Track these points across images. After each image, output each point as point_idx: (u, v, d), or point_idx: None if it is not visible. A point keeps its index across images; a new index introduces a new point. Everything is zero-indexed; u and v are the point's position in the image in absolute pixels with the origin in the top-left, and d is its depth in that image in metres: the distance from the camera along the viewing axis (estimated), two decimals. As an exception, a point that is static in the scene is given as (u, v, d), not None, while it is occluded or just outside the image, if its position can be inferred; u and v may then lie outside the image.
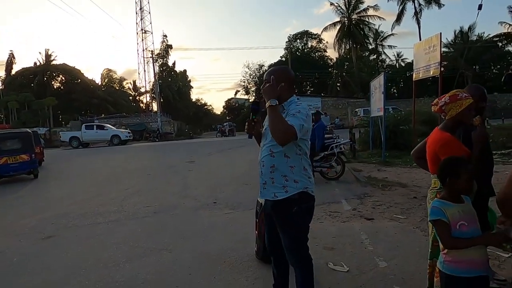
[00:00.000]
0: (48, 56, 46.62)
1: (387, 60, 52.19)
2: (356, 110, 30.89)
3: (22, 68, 46.57)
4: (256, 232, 3.65)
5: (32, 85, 44.18)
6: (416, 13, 40.08)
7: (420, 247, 3.68)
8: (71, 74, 47.41)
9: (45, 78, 45.98)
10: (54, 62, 46.94)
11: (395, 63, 53.42)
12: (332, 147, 7.85)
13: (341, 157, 7.98)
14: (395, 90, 50.08)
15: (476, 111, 2.67)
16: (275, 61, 52.83)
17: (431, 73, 9.88)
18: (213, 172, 10.58)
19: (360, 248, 3.89)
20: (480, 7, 8.19)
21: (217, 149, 17.72)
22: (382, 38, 47.82)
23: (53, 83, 47.95)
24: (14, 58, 46.92)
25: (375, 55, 50.71)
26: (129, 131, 28.22)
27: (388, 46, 48.30)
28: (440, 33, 9.34)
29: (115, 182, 9.63)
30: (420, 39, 33.87)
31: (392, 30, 47.42)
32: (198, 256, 3.90)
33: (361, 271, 3.30)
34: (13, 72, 46.03)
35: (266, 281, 2.91)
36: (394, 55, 54.21)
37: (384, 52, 50.13)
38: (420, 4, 39.89)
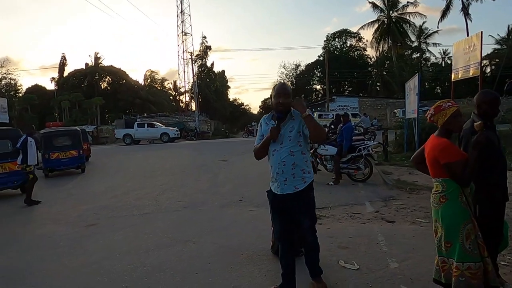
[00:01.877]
0: (96, 58, 49.79)
1: (432, 58, 49.75)
2: (395, 111, 29.88)
3: (74, 70, 50.13)
4: (272, 227, 3.87)
5: (82, 85, 47.46)
6: (464, 8, 37.80)
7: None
8: (117, 75, 50.28)
9: (93, 79, 49.19)
10: (102, 64, 50.06)
11: (440, 61, 50.80)
12: (360, 149, 7.84)
13: (368, 159, 7.94)
14: (439, 90, 47.65)
15: (484, 116, 2.71)
16: (312, 60, 52.50)
17: (471, 73, 9.47)
18: (243, 171, 10.90)
19: (374, 249, 3.97)
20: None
21: (250, 149, 17.99)
22: (426, 36, 45.65)
23: (100, 83, 51.10)
24: (66, 60, 50.63)
25: (418, 53, 48.51)
26: (177, 129, 29.41)
27: (433, 43, 46.02)
28: (481, 32, 8.94)
29: (152, 178, 10.27)
30: (468, 36, 31.99)
31: (437, 27, 45.18)
32: (219, 248, 4.20)
33: (370, 270, 3.41)
34: (65, 73, 49.68)
35: (277, 274, 3.12)
36: (440, 52, 51.42)
37: (428, 50, 47.83)
38: (468, -1, 37.63)
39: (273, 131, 2.72)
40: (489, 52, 39.48)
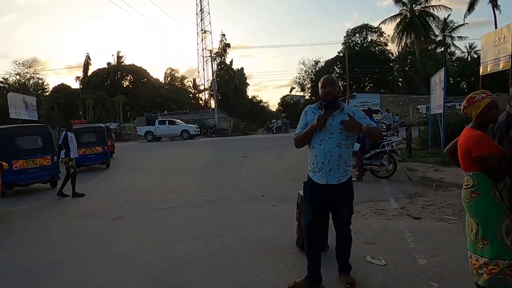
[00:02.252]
0: (119, 57, 50.98)
1: (457, 52, 48.03)
2: (418, 107, 29.15)
3: (97, 69, 51.53)
4: (297, 222, 3.88)
5: (105, 84, 48.75)
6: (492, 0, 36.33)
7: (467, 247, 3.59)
8: (138, 74, 51.32)
9: (116, 78, 50.41)
10: (123, 63, 51.21)
11: (466, 55, 49.00)
12: (383, 145, 7.70)
13: (392, 155, 7.79)
14: (464, 85, 46.03)
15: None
16: (332, 56, 51.75)
17: (501, 67, 9.13)
18: (264, 167, 10.93)
19: (401, 245, 3.91)
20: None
21: (270, 145, 18.08)
22: (451, 29, 44.13)
23: (122, 82, 52.31)
24: (90, 60, 52.12)
25: (442, 47, 46.97)
26: (197, 126, 29.79)
27: (458, 37, 44.43)
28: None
29: (174, 174, 10.45)
30: (496, 28, 30.76)
31: (464, 20, 43.57)
32: (243, 242, 4.24)
33: (398, 265, 3.36)
34: (89, 73, 51.13)
35: (303, 267, 3.12)
36: (466, 46, 49.55)
37: (453, 44, 46.22)
38: (497, -11, 36.10)
39: (320, 120, 2.75)
40: (519, 44, 37.71)
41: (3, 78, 46.61)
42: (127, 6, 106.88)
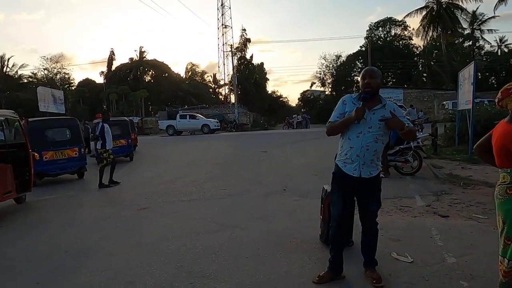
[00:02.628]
0: (141, 52, 51.83)
1: (486, 46, 46.07)
2: (444, 103, 28.23)
3: (121, 64, 52.59)
4: (321, 216, 3.86)
5: (128, 79, 49.73)
6: (525, -9, 34.56)
7: (498, 248, 3.47)
8: (160, 68, 52.09)
9: (138, 73, 51.36)
10: (146, 58, 52.06)
11: (496, 49, 46.93)
12: (408, 141, 7.51)
13: (418, 151, 7.59)
14: (494, 81, 44.17)
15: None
16: (354, 51, 50.78)
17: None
18: (285, 162, 10.91)
19: (428, 243, 3.82)
20: None
21: (290, 140, 18.01)
22: (480, 22, 42.35)
23: (145, 77, 53.26)
24: (114, 55, 53.17)
25: (471, 41, 45.17)
26: (217, 121, 30.04)
27: (488, 30, 42.57)
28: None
29: (196, 167, 10.60)
30: (528, 21, 29.22)
31: (494, 13, 41.71)
32: (267, 235, 4.26)
33: (426, 263, 3.29)
34: (113, 68, 52.32)
35: (327, 262, 3.10)
36: (496, 40, 47.41)
37: (482, 38, 44.33)
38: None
39: (359, 112, 2.72)
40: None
41: (32, 73, 48.54)
42: (150, 1, 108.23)
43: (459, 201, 5.48)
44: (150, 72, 53.44)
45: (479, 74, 40.06)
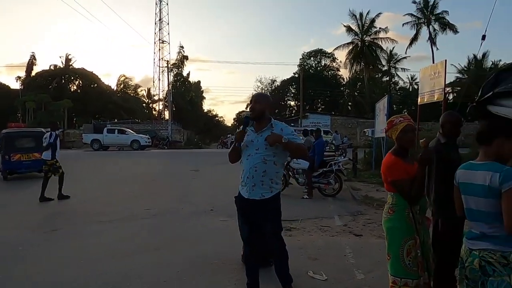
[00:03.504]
0: (68, 60, 48.16)
1: (400, 82, 52.33)
2: (365, 130, 30.93)
3: (42, 70, 48.13)
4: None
5: (50, 87, 45.57)
6: (430, 38, 40.40)
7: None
8: (88, 78, 48.75)
9: (63, 81, 47.43)
10: (73, 66, 48.45)
11: (408, 86, 53.48)
12: (330, 164, 8.06)
13: (338, 174, 8.16)
14: (406, 113, 49.91)
15: (447, 135, 2.90)
16: (288, 77, 53.48)
17: (435, 98, 10.04)
18: (216, 181, 10.84)
19: (342, 261, 4.08)
20: (483, 37, 8.40)
21: (223, 160, 17.82)
22: (395, 61, 48.09)
23: (70, 86, 49.35)
24: (35, 59, 48.53)
25: (388, 77, 50.92)
26: (148, 137, 28.74)
27: (402, 68, 48.53)
28: (445, 60, 9.52)
29: (121, 185, 9.98)
30: (433, 63, 34.02)
31: (405, 53, 47.68)
32: (189, 257, 4.14)
33: (338, 280, 3.50)
34: (33, 73, 47.59)
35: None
36: (408, 78, 54.18)
37: (397, 75, 50.34)
38: (434, 30, 40.28)
39: (237, 134, 2.86)
40: (451, 80, 42.12)
41: None
42: (81, 8, 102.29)
43: (372, 221, 5.96)
44: (77, 82, 49.74)
45: (394, 106, 45.05)
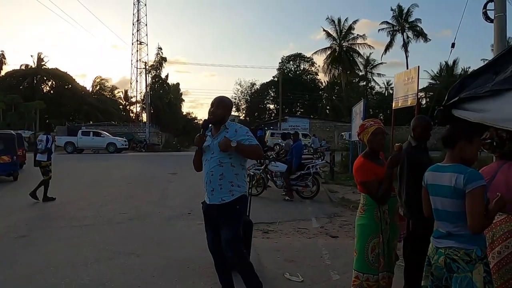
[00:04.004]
0: (40, 59, 46.34)
1: (376, 87, 53.72)
2: (342, 133, 31.55)
3: (12, 70, 46.17)
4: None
5: (21, 87, 43.77)
6: (404, 45, 41.83)
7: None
8: (62, 79, 47.14)
9: (35, 81, 45.65)
10: (45, 66, 46.74)
11: (384, 91, 54.97)
12: (308, 167, 8.15)
13: (316, 177, 8.27)
14: (382, 117, 51.30)
15: (418, 139, 3.01)
16: (268, 80, 53.81)
17: (409, 103, 10.35)
18: (194, 184, 10.68)
19: (318, 262, 4.13)
20: (453, 45, 8.73)
21: (202, 163, 17.85)
22: (372, 66, 49.37)
23: (42, 86, 47.58)
24: (5, 59, 46.40)
25: (365, 81, 52.19)
26: (125, 140, 28.07)
27: (378, 74, 49.87)
28: (418, 67, 9.77)
29: (95, 188, 9.70)
30: (407, 69, 35.14)
31: (381, 59, 49.09)
32: (164, 261, 4.08)
33: (314, 281, 3.54)
34: (2, 73, 45.61)
35: (222, 286, 3.10)
36: (384, 83, 55.72)
37: (373, 80, 51.68)
38: (408, 37, 41.72)
39: (196, 139, 2.81)
40: (424, 86, 43.68)
41: None
42: (56, 7, 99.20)
43: (348, 223, 6.07)
44: (50, 82, 48.04)
45: (371, 110, 46.20)
